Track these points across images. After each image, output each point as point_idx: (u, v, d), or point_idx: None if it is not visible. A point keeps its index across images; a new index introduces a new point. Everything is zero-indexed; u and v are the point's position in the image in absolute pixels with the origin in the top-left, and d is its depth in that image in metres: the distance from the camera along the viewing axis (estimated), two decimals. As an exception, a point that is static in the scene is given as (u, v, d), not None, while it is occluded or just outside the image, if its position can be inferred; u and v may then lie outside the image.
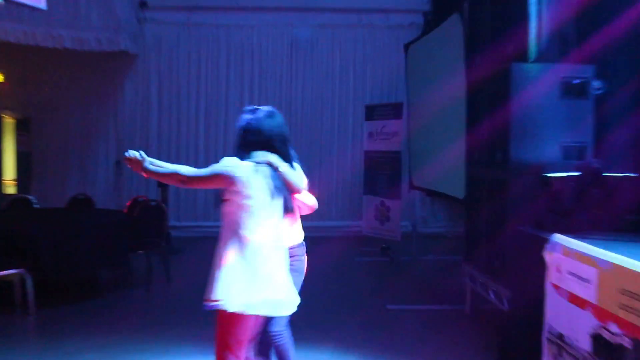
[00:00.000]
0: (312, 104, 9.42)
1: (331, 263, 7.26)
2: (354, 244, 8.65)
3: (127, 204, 6.99)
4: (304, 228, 3.21)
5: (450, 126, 5.80)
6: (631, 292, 2.44)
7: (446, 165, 5.94)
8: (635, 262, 2.50)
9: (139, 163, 2.61)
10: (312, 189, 2.90)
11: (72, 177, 9.31)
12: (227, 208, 2.61)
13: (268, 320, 2.88)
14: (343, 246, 8.48)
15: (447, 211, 9.32)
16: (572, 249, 2.91)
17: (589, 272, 2.78)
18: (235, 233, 2.57)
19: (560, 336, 2.99)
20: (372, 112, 8.24)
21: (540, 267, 3.17)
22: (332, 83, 9.36)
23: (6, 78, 9.08)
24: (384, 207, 7.99)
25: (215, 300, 2.48)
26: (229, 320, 2.49)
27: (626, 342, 2.44)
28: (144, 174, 2.60)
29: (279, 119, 2.73)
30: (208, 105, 9.46)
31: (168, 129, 9.41)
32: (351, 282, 6.43)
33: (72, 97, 9.25)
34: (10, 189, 9.14)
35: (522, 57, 4.27)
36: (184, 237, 8.96)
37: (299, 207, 2.88)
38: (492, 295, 4.46)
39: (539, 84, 3.94)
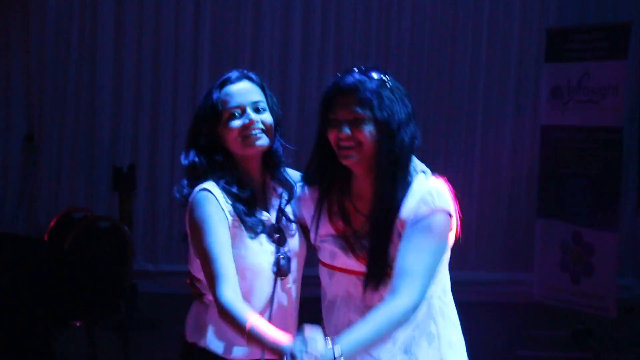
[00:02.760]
0: (434, 31, 9.78)
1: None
2: (517, 320, 8.74)
3: (51, 223, 7.10)
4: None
5: None
6: None
7: None
8: None
9: None
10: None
11: None
12: None
13: None
14: (494, 323, 8.47)
15: None
16: None
17: None
18: None
19: None
20: (559, 45, 8.32)
21: None
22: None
23: None
24: (580, 245, 8.04)
25: None
26: None
27: None
28: None
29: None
30: (216, 46, 9.74)
31: (135, 82, 9.74)
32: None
33: None
34: None
35: None
36: (164, 296, 9.04)
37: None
38: None
39: None
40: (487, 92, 9.71)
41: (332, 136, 3.06)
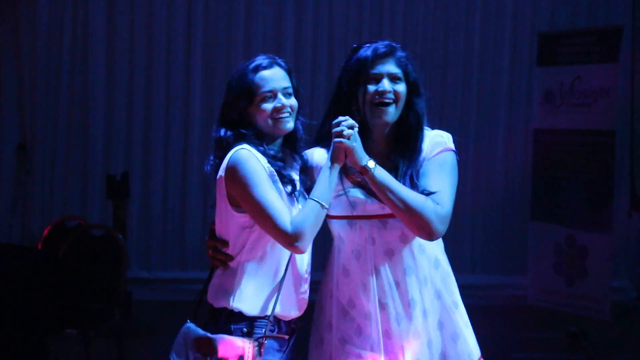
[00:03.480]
0: (426, 35, 9.80)
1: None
2: (511, 323, 8.74)
3: (45, 232, 7.13)
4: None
5: None
6: None
7: None
8: None
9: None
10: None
11: None
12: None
13: None
14: (488, 326, 8.18)
15: None
16: None
17: None
18: None
19: None
20: (552, 48, 8.39)
21: None
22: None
23: None
24: (573, 248, 8.09)
25: None
26: None
27: None
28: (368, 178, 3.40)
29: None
30: (208, 54, 9.75)
31: (127, 90, 9.73)
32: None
33: None
34: None
35: None
36: (158, 303, 9.09)
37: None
38: None
39: None
40: (480, 96, 9.69)
41: (372, 92, 3.40)
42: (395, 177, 3.37)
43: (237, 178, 3.32)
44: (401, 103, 3.43)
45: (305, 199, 3.38)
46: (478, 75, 9.64)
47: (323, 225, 3.53)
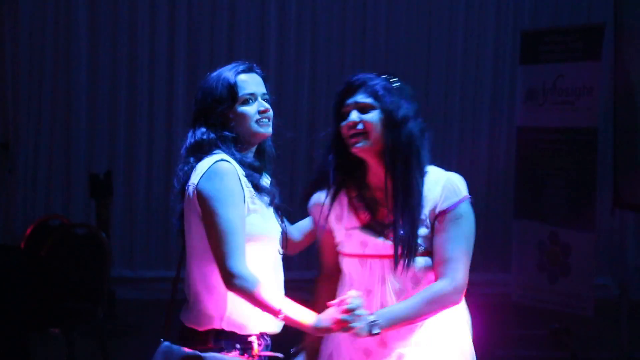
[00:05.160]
0: (409, 34, 9.82)
1: None
2: (495, 320, 8.47)
3: (27, 231, 7.13)
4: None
5: None
6: None
7: None
8: None
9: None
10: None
11: None
12: None
13: None
14: (472, 323, 8.17)
15: None
16: None
17: None
18: None
19: None
20: (534, 46, 8.39)
21: None
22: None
23: None
24: (557, 246, 8.09)
25: None
26: None
27: None
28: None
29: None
30: (191, 53, 9.81)
31: (110, 88, 9.74)
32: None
33: None
34: None
35: None
36: (142, 302, 9.13)
37: None
38: None
39: None
40: (463, 95, 9.74)
41: (343, 127, 3.27)
42: (392, 226, 3.23)
43: (210, 189, 3.14)
44: (375, 134, 3.23)
45: (279, 215, 3.30)
46: (461, 73, 9.68)
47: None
